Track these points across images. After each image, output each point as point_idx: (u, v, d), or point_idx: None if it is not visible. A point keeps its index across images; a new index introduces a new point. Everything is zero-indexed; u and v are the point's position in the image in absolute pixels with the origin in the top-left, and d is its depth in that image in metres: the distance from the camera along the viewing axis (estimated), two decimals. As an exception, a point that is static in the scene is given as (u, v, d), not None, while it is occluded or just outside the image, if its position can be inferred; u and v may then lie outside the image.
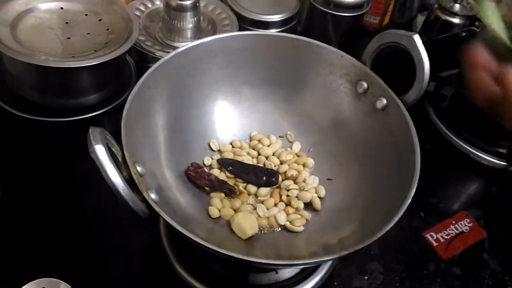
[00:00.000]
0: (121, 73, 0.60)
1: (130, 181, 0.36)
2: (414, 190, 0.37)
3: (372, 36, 0.83)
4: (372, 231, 0.36)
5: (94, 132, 0.32)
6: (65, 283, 0.44)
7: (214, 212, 0.45)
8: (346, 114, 0.48)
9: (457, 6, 0.80)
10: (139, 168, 0.37)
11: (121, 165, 0.37)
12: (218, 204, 0.45)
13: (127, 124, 0.38)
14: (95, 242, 0.49)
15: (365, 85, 0.46)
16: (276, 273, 0.47)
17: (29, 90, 0.55)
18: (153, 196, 0.36)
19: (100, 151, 0.31)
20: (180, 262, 0.47)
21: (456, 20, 0.80)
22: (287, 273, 0.47)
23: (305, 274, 0.47)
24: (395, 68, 0.46)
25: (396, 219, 0.36)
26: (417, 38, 0.41)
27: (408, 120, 0.42)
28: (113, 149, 0.36)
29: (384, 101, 0.45)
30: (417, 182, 0.38)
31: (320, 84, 0.49)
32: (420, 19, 0.87)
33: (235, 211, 0.45)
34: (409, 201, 0.37)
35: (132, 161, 0.37)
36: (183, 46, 0.45)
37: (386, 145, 0.44)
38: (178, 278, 0.46)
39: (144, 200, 0.35)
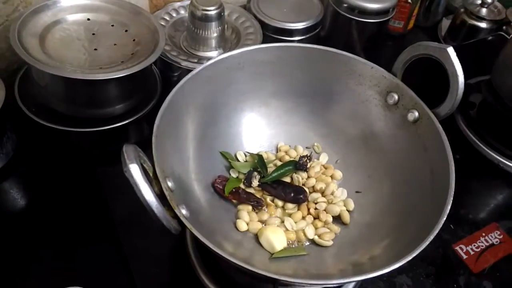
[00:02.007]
0: (147, 83, 0.60)
1: (161, 196, 0.36)
2: (449, 207, 0.37)
3: (396, 41, 0.83)
4: (404, 249, 0.36)
5: (128, 150, 0.32)
6: (92, 292, 0.45)
7: (241, 225, 0.44)
8: (376, 126, 0.48)
9: (484, 10, 0.78)
10: (169, 183, 0.37)
11: (152, 180, 0.37)
12: (245, 217, 0.45)
13: (157, 139, 0.38)
14: (121, 249, 0.49)
15: (396, 97, 0.45)
16: (303, 286, 0.46)
17: (56, 101, 0.55)
18: (183, 211, 0.36)
19: (134, 170, 0.31)
20: (205, 272, 0.47)
21: (483, 25, 0.78)
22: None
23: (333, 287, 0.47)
24: (427, 79, 0.45)
25: (430, 238, 0.35)
26: (451, 51, 0.40)
27: (442, 134, 0.41)
28: (144, 165, 0.36)
29: (416, 113, 0.44)
30: (452, 199, 0.37)
31: (349, 95, 0.49)
32: (445, 23, 0.86)
33: (263, 223, 0.45)
34: (443, 220, 0.36)
35: (163, 176, 0.37)
36: (208, 57, 0.45)
37: (418, 159, 0.43)
38: (200, 284, 0.46)
39: (175, 216, 0.35)
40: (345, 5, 0.69)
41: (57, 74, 0.49)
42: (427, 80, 0.46)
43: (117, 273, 0.48)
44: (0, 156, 0.56)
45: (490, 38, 0.79)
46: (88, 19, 0.58)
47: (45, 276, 0.48)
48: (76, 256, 0.50)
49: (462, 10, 0.80)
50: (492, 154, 0.61)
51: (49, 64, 0.50)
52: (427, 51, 0.42)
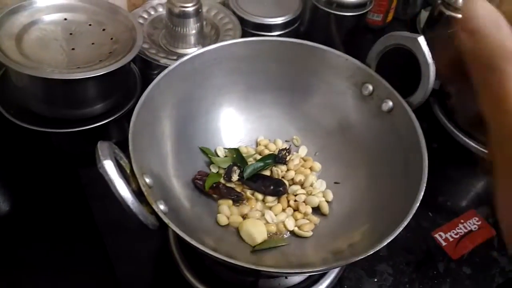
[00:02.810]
0: (126, 82, 0.60)
1: (139, 193, 0.36)
2: (422, 194, 0.37)
3: (375, 34, 0.84)
4: (381, 235, 0.36)
5: (102, 147, 0.32)
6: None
7: (222, 219, 0.45)
8: (352, 117, 0.48)
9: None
10: (147, 180, 0.38)
11: (130, 177, 0.37)
12: (226, 211, 0.45)
13: (134, 136, 0.38)
14: (104, 249, 0.49)
15: (370, 87, 0.46)
16: (286, 278, 0.47)
17: (35, 102, 0.55)
18: (162, 207, 0.36)
19: (108, 166, 0.31)
20: (189, 269, 0.47)
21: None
22: (297, 278, 0.47)
23: (315, 278, 0.47)
24: (400, 69, 0.46)
25: (405, 223, 0.36)
26: (421, 40, 0.41)
27: (415, 122, 0.42)
28: (121, 162, 0.37)
29: (390, 103, 0.44)
30: (425, 185, 0.38)
31: (325, 88, 0.49)
32: (424, 15, 0.87)
33: (244, 217, 0.46)
34: (417, 205, 0.37)
35: (140, 172, 0.37)
36: (187, 54, 0.45)
37: (393, 147, 0.44)
38: (188, 285, 0.46)
39: (154, 212, 0.35)
40: (323, -1, 0.69)
41: (34, 75, 0.49)
42: (401, 70, 0.46)
43: (101, 274, 0.48)
44: (-21, 159, 0.56)
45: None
46: (65, 19, 0.57)
47: (27, 282, 0.48)
48: (60, 257, 0.50)
49: (439, 1, 0.81)
50: (469, 142, 0.62)
51: (26, 65, 0.50)
52: (398, 41, 0.43)
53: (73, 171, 0.56)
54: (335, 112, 0.49)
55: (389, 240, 0.35)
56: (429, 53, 0.41)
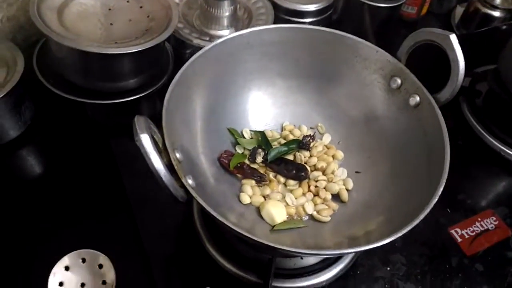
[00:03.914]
0: (160, 59, 0.62)
1: (169, 167, 0.38)
2: (441, 190, 0.38)
3: (409, 27, 0.83)
4: (398, 226, 0.37)
5: (139, 121, 0.34)
6: (104, 255, 0.48)
7: (245, 198, 0.47)
8: (378, 109, 0.49)
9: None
10: (177, 155, 0.40)
11: (162, 151, 0.39)
12: (249, 191, 0.47)
13: (167, 112, 0.40)
14: (133, 217, 0.52)
15: (399, 81, 0.47)
16: (301, 258, 0.49)
17: (72, 72, 0.58)
18: (190, 181, 0.38)
19: (145, 139, 0.33)
20: (211, 242, 0.49)
21: (496, 13, 0.78)
22: (312, 259, 0.49)
23: (330, 261, 0.49)
24: (430, 64, 0.46)
25: (422, 216, 0.37)
26: (453, 37, 0.41)
27: (440, 119, 0.42)
28: (154, 136, 0.39)
29: (417, 98, 0.45)
30: (444, 182, 0.39)
31: (353, 78, 0.50)
32: (459, 10, 0.85)
33: (265, 198, 0.47)
34: (435, 200, 0.38)
35: (172, 147, 0.39)
36: (219, 35, 0.46)
37: (416, 142, 0.45)
38: (208, 256, 0.49)
39: (182, 185, 0.37)
40: (358, -12, 0.69)
41: (73, 47, 0.51)
42: (431, 66, 0.47)
43: (128, 241, 0.51)
44: (18, 125, 0.59)
45: (503, 27, 0.79)
46: (105, -6, 0.59)
47: (56, 237, 0.51)
48: (89, 223, 0.53)
49: (476, -3, 0.80)
50: (495, 142, 0.62)
51: (66, 37, 0.52)
52: (430, 37, 0.43)
53: (105, 141, 0.59)
54: (362, 103, 0.50)
55: (404, 232, 0.36)
56: (460, 51, 0.41)
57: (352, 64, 0.49)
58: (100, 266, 0.48)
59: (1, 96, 0.52)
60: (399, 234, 0.36)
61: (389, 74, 0.47)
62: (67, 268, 0.48)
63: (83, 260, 0.48)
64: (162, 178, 0.34)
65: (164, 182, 0.34)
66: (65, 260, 0.48)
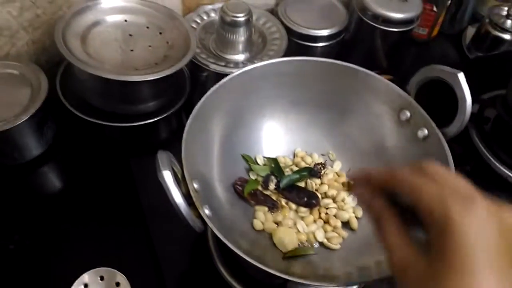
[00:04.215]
0: (177, 82, 0.65)
1: (187, 197, 0.40)
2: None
3: (420, 48, 0.85)
4: None
5: (161, 157, 0.37)
6: (121, 273, 0.50)
7: (258, 224, 0.49)
8: (387, 140, 0.51)
9: (509, 22, 0.78)
10: (195, 185, 0.42)
11: (181, 181, 0.41)
12: (261, 217, 0.49)
13: (186, 144, 0.42)
14: (149, 236, 0.54)
15: (408, 114, 0.48)
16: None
17: (93, 96, 0.60)
18: (207, 211, 0.41)
19: (167, 175, 0.36)
20: (223, 263, 0.51)
21: (507, 37, 0.79)
22: (322, 285, 0.50)
23: None
24: (439, 98, 0.48)
25: None
26: (461, 76, 0.43)
27: (447, 152, 0.44)
28: (174, 168, 0.41)
29: (426, 131, 0.47)
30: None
31: (364, 109, 0.52)
32: (471, 31, 0.86)
33: (277, 224, 0.49)
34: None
35: (190, 179, 0.41)
36: (236, 62, 0.48)
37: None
38: (220, 277, 0.50)
39: (199, 216, 0.40)
40: (370, 13, 0.71)
41: (97, 75, 0.54)
42: (439, 99, 0.48)
43: (144, 259, 0.53)
44: (41, 143, 0.61)
45: (513, 52, 0.80)
46: (126, 21, 0.62)
47: (75, 254, 0.53)
48: (106, 238, 0.55)
49: (487, 20, 0.81)
50: (503, 168, 0.63)
51: (89, 64, 0.55)
52: (439, 74, 0.45)
53: (123, 160, 0.61)
54: (371, 133, 0.52)
55: None
56: (468, 90, 0.43)
57: (363, 96, 0.51)
58: (117, 284, 0.50)
59: (26, 118, 0.55)
60: None
61: (398, 106, 0.49)
62: (86, 286, 0.50)
63: (101, 278, 0.51)
64: (182, 212, 0.36)
65: (184, 216, 0.36)
66: (84, 278, 0.50)
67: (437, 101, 0.48)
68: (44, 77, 0.59)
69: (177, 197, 0.36)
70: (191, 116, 0.44)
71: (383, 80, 0.49)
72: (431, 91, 0.48)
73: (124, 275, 0.50)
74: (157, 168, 0.36)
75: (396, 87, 0.49)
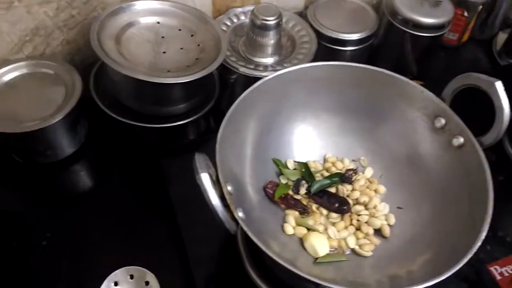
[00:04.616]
0: (207, 85, 0.65)
1: (222, 199, 0.40)
2: (484, 234, 0.39)
3: (449, 53, 0.83)
4: (440, 266, 0.39)
5: (199, 159, 0.37)
6: (150, 272, 0.51)
7: (288, 229, 0.49)
8: (421, 147, 0.50)
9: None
10: (229, 188, 0.42)
11: (215, 183, 0.41)
12: (292, 221, 0.49)
13: (221, 147, 0.43)
14: (179, 236, 0.54)
15: (443, 121, 0.48)
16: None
17: (126, 96, 0.61)
18: (240, 214, 0.41)
19: (205, 178, 0.36)
20: (252, 266, 0.51)
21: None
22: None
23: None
24: (475, 106, 0.47)
25: (464, 260, 0.38)
26: (499, 85, 0.42)
27: (483, 161, 0.43)
28: (209, 170, 0.41)
29: (461, 139, 0.46)
30: (488, 226, 0.40)
31: (397, 115, 0.51)
32: (502, 37, 0.85)
33: (308, 229, 0.49)
34: (479, 244, 0.39)
35: (224, 181, 0.41)
36: (266, 65, 0.48)
37: (459, 183, 0.46)
38: (250, 280, 0.51)
39: (233, 218, 0.40)
40: (400, 17, 0.70)
41: (130, 76, 0.54)
42: (475, 108, 0.47)
43: (174, 257, 0.54)
44: (74, 142, 0.63)
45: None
46: (158, 23, 0.62)
47: (106, 252, 0.54)
48: (136, 237, 0.56)
49: (519, 26, 0.79)
50: (536, 178, 0.62)
51: (123, 65, 0.56)
52: (476, 82, 0.44)
53: (154, 160, 0.62)
54: (404, 140, 0.51)
55: (447, 275, 0.38)
56: (506, 98, 0.42)
57: (396, 102, 0.51)
58: (147, 283, 0.51)
59: (61, 117, 0.56)
60: (441, 278, 0.38)
61: (433, 113, 0.49)
62: (116, 284, 0.51)
63: (131, 277, 0.51)
64: (219, 215, 0.36)
65: (220, 218, 0.37)
66: (115, 276, 0.51)
67: (473, 109, 0.47)
68: (78, 77, 0.60)
69: (215, 199, 0.36)
70: (225, 119, 0.44)
71: (417, 87, 0.49)
72: (467, 99, 0.48)
73: (154, 275, 0.51)
74: (195, 171, 0.37)
75: (431, 94, 0.48)
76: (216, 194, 0.37)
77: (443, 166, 0.48)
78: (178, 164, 0.60)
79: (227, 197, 0.40)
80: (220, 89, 0.66)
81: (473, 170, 0.44)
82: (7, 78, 0.60)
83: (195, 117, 0.62)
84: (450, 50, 0.84)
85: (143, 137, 0.66)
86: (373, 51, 0.74)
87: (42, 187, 0.61)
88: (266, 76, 0.49)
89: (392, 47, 0.75)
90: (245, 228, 0.39)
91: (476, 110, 0.47)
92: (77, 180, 0.63)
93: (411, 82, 0.49)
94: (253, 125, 0.50)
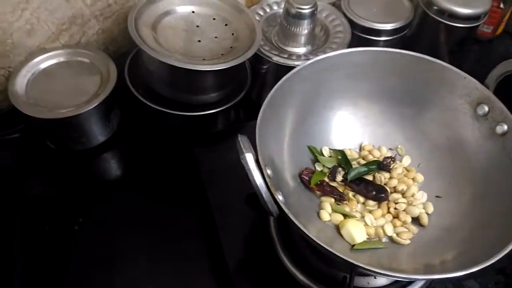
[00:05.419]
0: (239, 74, 0.65)
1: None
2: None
3: (483, 46, 0.82)
4: (476, 257, 0.38)
5: (243, 141, 0.37)
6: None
7: (324, 215, 0.48)
8: (462, 135, 0.49)
9: None
10: (268, 171, 0.42)
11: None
12: (328, 208, 0.49)
13: (260, 131, 0.43)
14: (213, 220, 0.54)
15: (486, 108, 0.47)
16: (375, 278, 0.50)
17: (161, 84, 0.62)
18: (280, 197, 0.41)
19: (249, 158, 0.36)
20: (284, 251, 0.51)
21: None
22: (384, 280, 0.50)
23: (403, 283, 0.50)
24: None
25: (502, 253, 0.37)
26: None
27: (530, 149, 0.42)
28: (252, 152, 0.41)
29: (505, 127, 0.45)
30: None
31: (438, 102, 0.50)
32: (538, 30, 0.83)
33: (344, 216, 0.49)
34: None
35: (264, 164, 0.41)
36: (299, 55, 0.48)
37: (502, 171, 0.45)
38: (281, 265, 0.51)
39: (275, 201, 0.40)
40: (435, 7, 0.69)
41: (167, 63, 0.55)
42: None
43: (202, 244, 0.54)
44: (107, 130, 0.63)
45: None
46: (193, 12, 0.63)
47: (135, 239, 0.55)
48: (166, 225, 0.57)
49: (557, 18, 0.77)
50: None
51: (160, 53, 0.56)
52: (523, 67, 0.43)
53: (186, 149, 0.62)
54: (445, 127, 0.50)
55: (483, 266, 0.36)
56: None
57: (437, 89, 0.50)
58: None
59: (96, 105, 0.57)
60: (477, 268, 0.36)
61: (475, 101, 0.48)
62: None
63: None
64: (263, 195, 0.36)
65: (264, 199, 0.36)
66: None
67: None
68: (113, 66, 0.61)
69: (259, 179, 0.36)
70: (265, 103, 0.44)
71: (460, 73, 0.48)
72: (510, 86, 0.47)
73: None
74: (240, 151, 0.37)
75: (474, 80, 0.47)
76: (261, 175, 0.36)
77: (485, 154, 0.47)
78: (210, 152, 0.60)
79: (267, 179, 0.40)
80: (252, 79, 0.66)
81: (517, 158, 0.43)
82: (44, 65, 0.61)
83: (227, 106, 0.62)
84: (484, 43, 0.82)
85: (174, 125, 0.66)
86: (407, 42, 0.73)
87: (75, 173, 0.62)
88: (299, 65, 0.49)
89: (426, 38, 0.73)
90: (286, 211, 0.39)
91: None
92: (109, 168, 0.64)
93: (454, 68, 0.48)
94: (290, 111, 0.50)
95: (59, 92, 0.59)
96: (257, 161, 0.41)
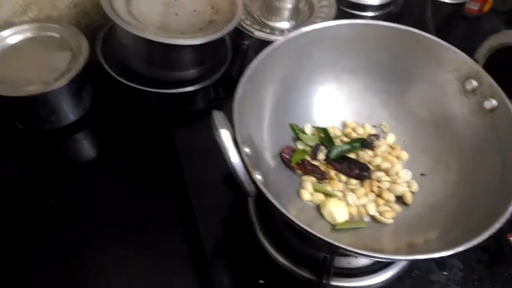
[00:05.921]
0: (219, 50, 0.62)
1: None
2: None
3: (469, 23, 0.80)
4: (461, 237, 0.37)
5: (218, 117, 0.34)
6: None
7: (305, 195, 0.46)
8: (449, 110, 0.48)
9: None
10: (246, 150, 0.39)
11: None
12: (309, 187, 0.47)
13: (238, 107, 0.40)
14: (189, 204, 0.52)
15: (474, 83, 0.45)
16: (356, 257, 0.48)
17: (136, 61, 0.59)
18: (258, 177, 0.38)
19: (224, 135, 0.34)
20: (264, 234, 0.49)
21: None
22: (366, 260, 0.48)
23: (386, 263, 0.48)
24: (509, 68, 0.44)
25: (486, 234, 0.36)
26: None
27: (518, 125, 0.41)
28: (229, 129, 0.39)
29: (494, 102, 0.43)
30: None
31: (425, 77, 0.48)
32: (525, 7, 0.81)
33: (325, 196, 0.47)
34: (509, 214, 0.37)
35: (241, 142, 0.39)
36: (282, 30, 0.45)
37: (489, 148, 0.43)
38: (261, 248, 0.49)
39: (252, 181, 0.38)
40: (422, -18, 0.67)
41: (142, 37, 0.52)
42: (509, 69, 0.45)
43: (178, 225, 0.52)
44: (78, 109, 0.60)
45: None
46: (170, -17, 0.59)
47: (108, 223, 0.52)
48: (141, 207, 0.54)
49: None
50: None
51: (134, 26, 0.53)
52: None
53: (162, 128, 0.59)
54: (432, 103, 0.49)
55: (467, 247, 0.35)
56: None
57: (424, 63, 0.48)
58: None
59: (66, 82, 0.54)
60: (461, 249, 0.35)
61: (464, 75, 0.46)
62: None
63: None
64: (239, 174, 0.34)
65: (240, 178, 0.34)
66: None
67: (507, 71, 0.44)
68: (85, 41, 0.58)
69: (235, 157, 0.34)
70: (243, 77, 0.42)
71: (449, 47, 0.46)
72: (500, 60, 0.45)
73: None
74: (214, 128, 0.34)
75: (463, 54, 0.45)
76: (237, 152, 0.34)
77: (473, 131, 0.45)
78: (188, 131, 0.58)
79: (244, 158, 0.38)
80: (233, 55, 0.63)
81: (505, 134, 0.42)
82: (11, 41, 0.58)
83: (206, 83, 0.59)
84: (471, 20, 0.80)
85: (151, 104, 0.63)
86: (393, 18, 0.70)
87: (46, 155, 0.59)
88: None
89: (413, 14, 0.72)
90: (264, 191, 0.37)
91: (509, 73, 0.44)
92: (81, 148, 0.61)
93: (442, 42, 0.46)
94: (271, 87, 0.47)
95: (27, 69, 0.55)
96: (234, 139, 0.39)
